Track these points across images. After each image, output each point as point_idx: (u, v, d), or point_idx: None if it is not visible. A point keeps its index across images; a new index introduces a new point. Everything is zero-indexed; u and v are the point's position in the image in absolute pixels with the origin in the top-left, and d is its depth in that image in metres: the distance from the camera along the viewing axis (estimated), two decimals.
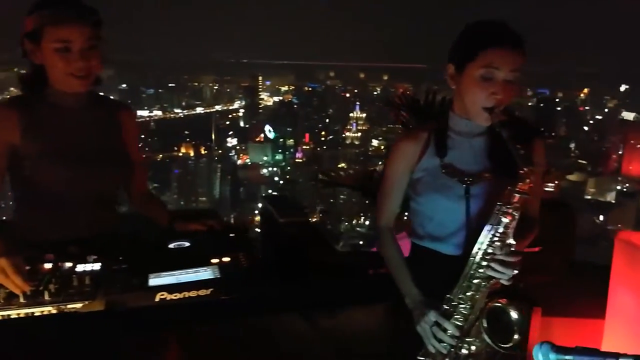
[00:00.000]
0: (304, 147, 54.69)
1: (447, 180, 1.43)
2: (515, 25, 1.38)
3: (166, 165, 48.07)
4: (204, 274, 1.42)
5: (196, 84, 69.81)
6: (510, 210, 1.29)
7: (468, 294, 1.34)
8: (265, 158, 53.88)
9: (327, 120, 58.81)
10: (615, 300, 1.95)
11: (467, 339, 1.34)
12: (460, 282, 1.35)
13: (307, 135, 55.50)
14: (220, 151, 54.13)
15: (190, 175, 48.01)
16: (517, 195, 1.28)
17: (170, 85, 66.20)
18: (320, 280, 1.91)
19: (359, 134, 55.67)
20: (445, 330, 1.35)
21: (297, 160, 53.38)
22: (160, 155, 50.02)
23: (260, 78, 63.92)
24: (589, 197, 43.43)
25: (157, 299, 1.33)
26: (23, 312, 1.29)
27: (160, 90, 64.05)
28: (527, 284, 1.46)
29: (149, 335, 1.35)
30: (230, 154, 54.06)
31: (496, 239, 1.31)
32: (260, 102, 62.66)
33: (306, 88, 63.59)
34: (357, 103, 57.91)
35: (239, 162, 53.02)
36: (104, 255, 1.48)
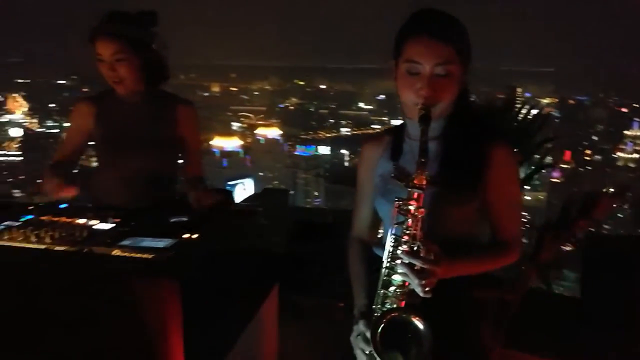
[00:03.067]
0: (563, 165, 49.59)
1: (393, 186, 1.33)
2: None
3: None
4: (158, 243, 1.40)
5: None
6: (409, 208, 1.19)
7: (387, 302, 1.23)
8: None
9: (595, 138, 52.21)
10: None
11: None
12: (378, 290, 1.25)
13: (568, 152, 50.17)
14: None
15: None
16: (415, 192, 1.19)
17: None
18: None
19: (636, 155, 47.94)
20: (367, 341, 1.23)
21: (553, 180, 48.79)
22: None
23: (519, 89, 60.50)
24: None
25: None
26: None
27: None
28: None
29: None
30: None
31: (403, 240, 1.20)
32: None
33: (571, 101, 57.55)
34: (636, 120, 49.90)
35: None
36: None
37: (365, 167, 1.46)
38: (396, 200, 1.21)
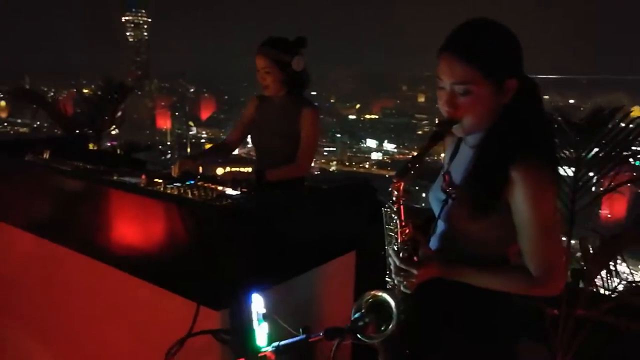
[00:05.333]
0: None
1: (438, 182, 1.42)
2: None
3: None
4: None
5: None
6: (390, 207, 1.27)
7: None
8: None
9: None
10: None
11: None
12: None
13: None
14: None
15: None
16: (394, 192, 1.25)
17: None
18: None
19: None
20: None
21: None
22: None
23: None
24: None
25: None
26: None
27: None
28: None
29: None
30: None
31: (390, 238, 1.30)
32: None
33: None
34: None
35: None
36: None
37: (445, 153, 1.51)
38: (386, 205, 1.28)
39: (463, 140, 1.38)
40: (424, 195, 1.52)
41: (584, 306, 2.10)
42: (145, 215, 1.87)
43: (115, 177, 2.27)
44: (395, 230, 1.28)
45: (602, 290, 2.30)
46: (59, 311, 2.31)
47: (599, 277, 2.25)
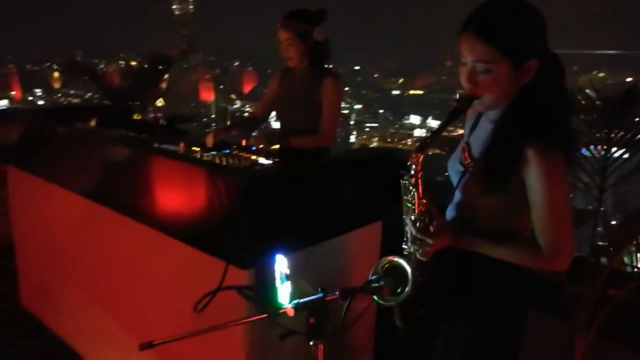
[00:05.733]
0: None
1: (457, 153, 1.47)
2: None
3: None
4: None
5: None
6: (408, 179, 1.33)
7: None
8: None
9: None
10: None
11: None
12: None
13: None
14: None
15: None
16: (413, 165, 1.30)
17: None
18: None
19: None
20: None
21: None
22: None
23: None
24: None
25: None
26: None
27: None
28: None
29: None
30: None
31: (407, 209, 1.36)
32: None
33: None
34: None
35: None
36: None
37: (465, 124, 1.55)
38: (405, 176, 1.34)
39: (484, 114, 1.42)
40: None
41: (608, 284, 2.10)
42: (179, 179, 1.99)
43: (155, 145, 2.41)
44: (413, 201, 1.34)
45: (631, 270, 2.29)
46: (102, 266, 2.49)
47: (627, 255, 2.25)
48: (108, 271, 2.46)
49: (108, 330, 2.51)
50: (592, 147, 2.22)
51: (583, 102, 2.24)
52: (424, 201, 1.34)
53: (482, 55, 1.23)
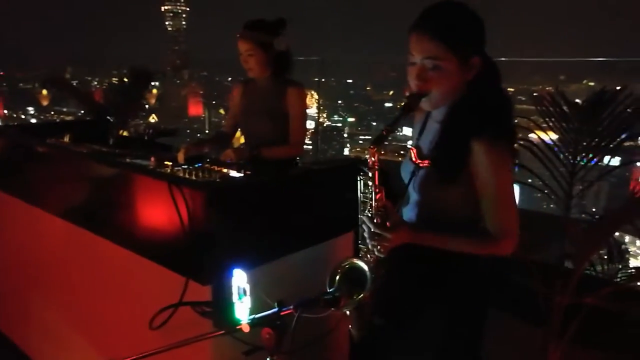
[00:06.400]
0: None
1: (407, 158, 1.53)
2: None
3: None
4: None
5: None
6: (365, 173, 1.37)
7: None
8: None
9: None
10: None
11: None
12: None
13: None
14: None
15: None
16: (370, 158, 1.34)
17: None
18: None
19: None
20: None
21: None
22: None
23: None
24: None
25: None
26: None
27: None
28: None
29: None
30: None
31: (365, 205, 1.40)
32: None
33: None
34: None
35: None
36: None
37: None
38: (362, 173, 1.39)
39: (430, 117, 1.50)
40: None
41: (583, 290, 2.08)
42: (141, 193, 1.98)
43: (127, 160, 2.38)
44: (370, 196, 1.37)
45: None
46: (68, 284, 2.46)
47: (599, 261, 2.23)
48: (73, 288, 2.43)
49: (74, 348, 2.48)
50: (560, 154, 2.23)
51: (551, 108, 2.25)
52: (380, 196, 1.36)
53: (432, 52, 1.31)
